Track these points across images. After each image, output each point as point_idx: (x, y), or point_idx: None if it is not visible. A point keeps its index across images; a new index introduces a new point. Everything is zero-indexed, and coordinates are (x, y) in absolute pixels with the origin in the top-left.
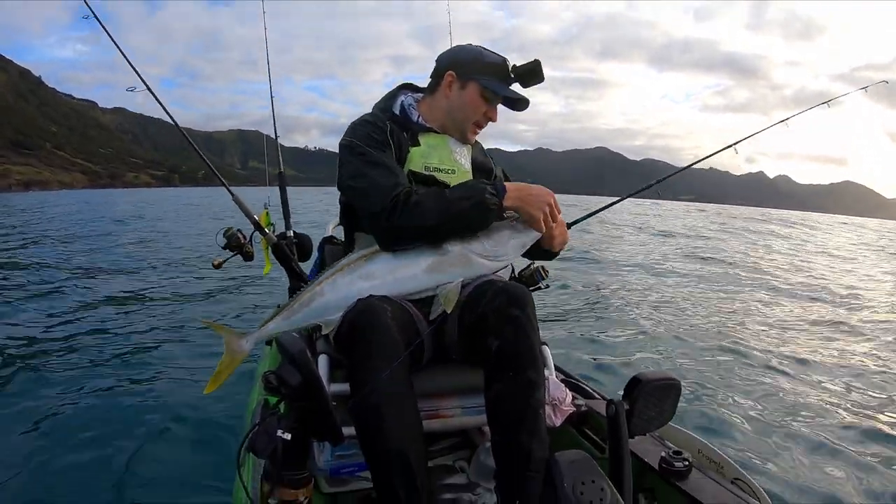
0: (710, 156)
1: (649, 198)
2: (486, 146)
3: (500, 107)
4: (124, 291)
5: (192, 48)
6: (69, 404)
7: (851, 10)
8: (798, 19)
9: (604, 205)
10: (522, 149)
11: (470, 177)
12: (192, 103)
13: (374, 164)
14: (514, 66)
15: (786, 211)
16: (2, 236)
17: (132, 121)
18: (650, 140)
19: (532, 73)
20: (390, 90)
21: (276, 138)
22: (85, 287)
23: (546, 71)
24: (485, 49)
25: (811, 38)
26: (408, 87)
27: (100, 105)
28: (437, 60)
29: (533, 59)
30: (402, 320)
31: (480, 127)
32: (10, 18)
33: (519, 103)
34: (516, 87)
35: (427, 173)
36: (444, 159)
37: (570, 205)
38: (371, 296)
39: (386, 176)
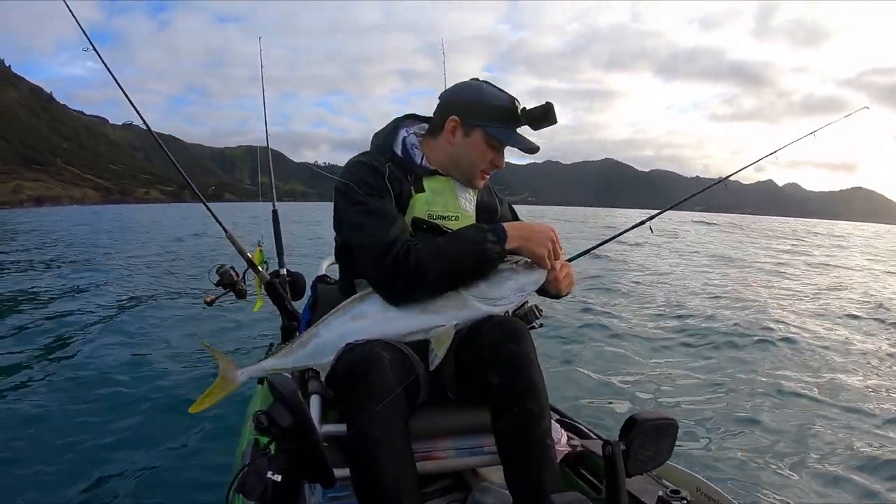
0: (751, 165)
1: (653, 207)
2: None
3: None
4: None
5: (200, 65)
6: (48, 432)
7: (857, 14)
8: (804, 25)
9: (615, 233)
10: (530, 162)
11: (473, 221)
12: (201, 119)
13: (372, 213)
14: (524, 108)
15: (801, 220)
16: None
17: (142, 137)
18: (658, 150)
19: (543, 118)
20: (389, 122)
21: (271, 178)
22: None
23: (553, 83)
24: (488, 86)
25: (817, 43)
26: (409, 118)
27: (110, 122)
28: (439, 99)
29: (545, 102)
30: (400, 365)
31: (487, 174)
32: (23, 38)
33: (530, 151)
34: (526, 129)
35: (431, 221)
36: (449, 205)
37: (581, 220)
38: (368, 341)
39: (384, 229)
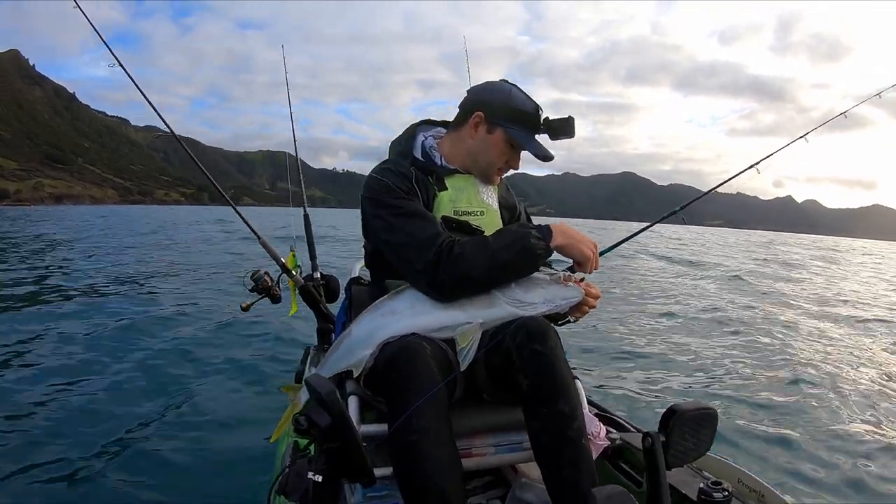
0: (731, 178)
1: (675, 223)
2: (511, 171)
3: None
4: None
5: (222, 70)
6: (89, 433)
7: (878, 29)
8: (824, 41)
9: (626, 236)
10: (549, 173)
11: (498, 217)
12: (222, 123)
13: (408, 215)
14: (547, 118)
15: (819, 237)
16: None
17: (163, 139)
18: (677, 165)
19: (563, 130)
20: (406, 128)
21: (301, 183)
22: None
23: (573, 96)
24: (517, 90)
25: (837, 59)
26: (425, 123)
27: (132, 122)
28: (467, 93)
29: (567, 116)
30: (440, 359)
31: (503, 172)
32: (48, 38)
33: (544, 158)
34: (545, 137)
35: (460, 218)
36: (473, 201)
37: (600, 228)
38: (404, 336)
39: (423, 228)
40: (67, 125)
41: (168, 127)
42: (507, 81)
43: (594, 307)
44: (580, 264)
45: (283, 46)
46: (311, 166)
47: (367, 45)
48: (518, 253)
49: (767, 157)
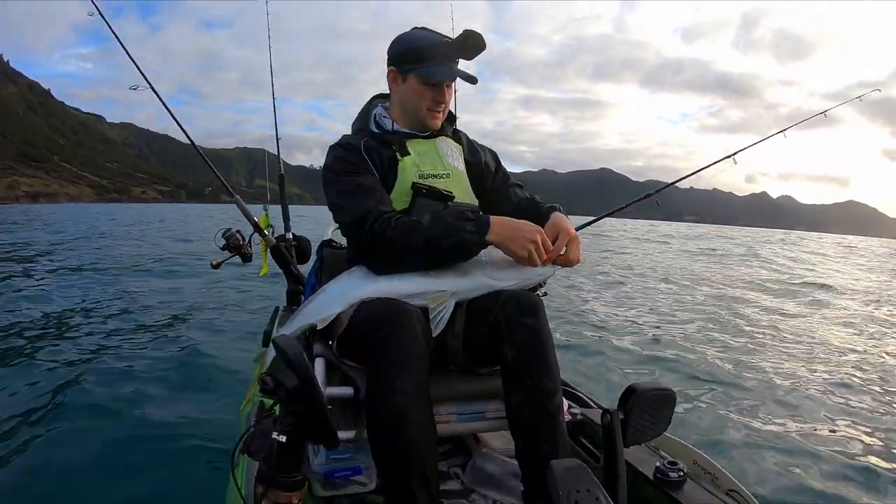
0: (707, 166)
1: (652, 219)
2: None
3: (497, 129)
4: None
5: (192, 68)
6: (59, 397)
7: (841, 27)
8: (789, 38)
9: (597, 216)
10: (527, 170)
11: (465, 177)
12: (194, 120)
13: (347, 193)
14: (449, 42)
15: (796, 231)
16: None
17: (138, 135)
18: (650, 161)
19: (467, 45)
20: (364, 105)
21: (278, 140)
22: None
23: (541, 92)
24: (420, 31)
25: (802, 57)
26: (379, 97)
27: (107, 119)
28: None
29: (464, 31)
30: (423, 323)
31: (435, 111)
32: (20, 34)
33: (466, 79)
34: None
35: (428, 183)
36: (437, 164)
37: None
38: (380, 298)
39: (357, 205)
40: (42, 122)
41: (186, 134)
42: (416, 28)
43: (574, 251)
44: (516, 261)
45: (269, 41)
46: (287, 163)
47: (334, 41)
48: (451, 245)
49: (744, 148)
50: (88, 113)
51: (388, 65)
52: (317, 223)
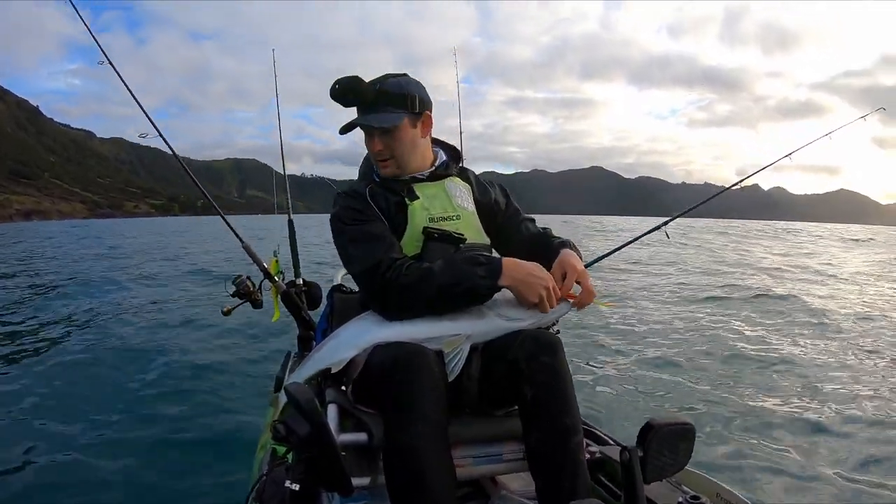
0: (766, 167)
1: (643, 214)
2: (478, 170)
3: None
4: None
5: (181, 80)
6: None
7: (825, 18)
8: (774, 30)
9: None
10: (518, 171)
11: (475, 218)
12: (184, 133)
13: (353, 241)
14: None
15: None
16: None
17: (129, 150)
18: (640, 157)
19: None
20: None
21: (287, 190)
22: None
23: (528, 92)
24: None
25: (788, 48)
26: None
27: (97, 135)
28: None
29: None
30: (440, 366)
31: (380, 160)
32: (6, 54)
33: (365, 126)
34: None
35: (439, 227)
36: (447, 206)
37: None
38: (398, 342)
39: (368, 254)
40: (33, 139)
41: (165, 142)
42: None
43: (587, 295)
44: (532, 305)
45: (273, 51)
46: (279, 173)
47: (321, 50)
48: (464, 291)
49: (799, 149)
50: (78, 129)
51: None
52: (307, 230)
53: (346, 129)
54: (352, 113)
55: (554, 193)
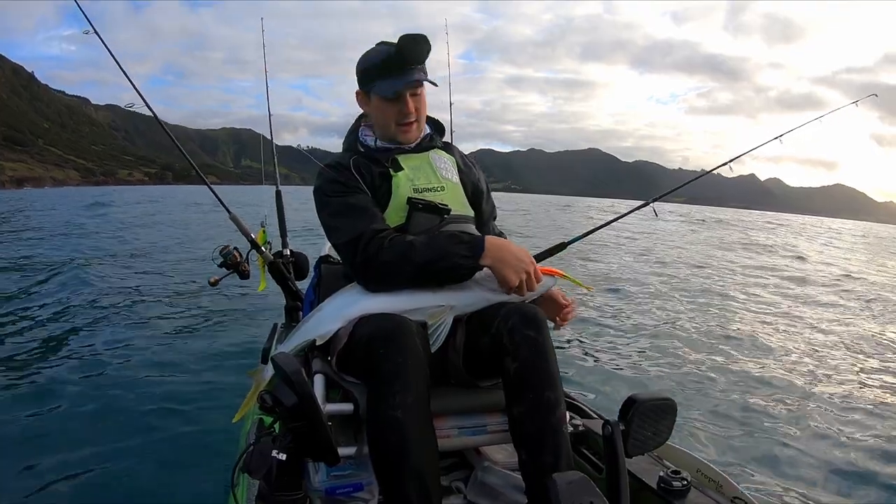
0: (756, 147)
1: (635, 197)
2: (475, 147)
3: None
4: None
5: (178, 46)
6: (58, 413)
7: (829, 12)
8: (778, 21)
9: (592, 227)
10: (515, 149)
11: (460, 189)
12: (181, 101)
13: (336, 214)
14: (395, 53)
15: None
16: None
17: (124, 118)
18: (639, 142)
19: (409, 51)
20: (352, 124)
21: (275, 160)
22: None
23: (529, 71)
24: (377, 46)
25: (791, 40)
26: (365, 116)
27: (92, 101)
28: None
29: (400, 37)
30: (423, 338)
31: (405, 124)
32: (2, 18)
33: (418, 84)
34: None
35: (423, 197)
36: (431, 178)
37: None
38: (383, 313)
39: (351, 226)
40: (27, 106)
41: (150, 108)
42: (380, 43)
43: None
44: (503, 286)
45: (261, 20)
46: (268, 140)
47: (322, 20)
48: (445, 268)
49: (790, 131)
50: (73, 95)
51: (358, 89)
52: (299, 202)
53: (407, 87)
54: (353, 84)
55: (548, 174)
